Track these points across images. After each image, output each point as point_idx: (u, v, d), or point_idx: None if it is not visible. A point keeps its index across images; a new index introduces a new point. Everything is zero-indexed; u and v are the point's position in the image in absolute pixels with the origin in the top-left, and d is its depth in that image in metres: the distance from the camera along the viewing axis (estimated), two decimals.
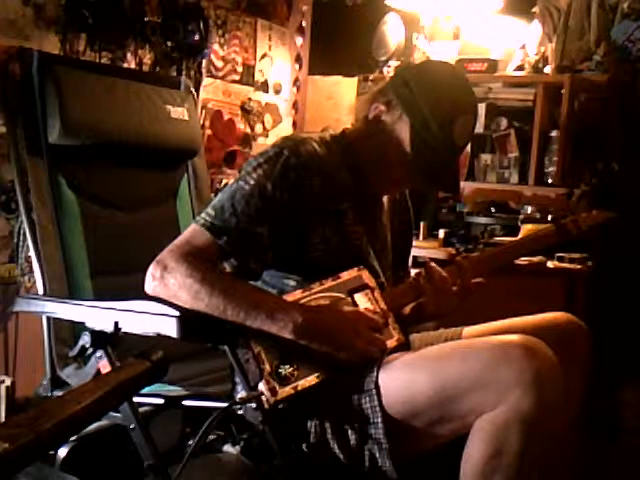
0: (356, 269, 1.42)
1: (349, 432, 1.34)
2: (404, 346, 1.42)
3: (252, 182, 1.38)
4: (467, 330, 1.61)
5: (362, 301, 1.40)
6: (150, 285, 1.35)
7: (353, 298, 1.40)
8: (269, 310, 1.31)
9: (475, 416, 1.24)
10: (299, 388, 1.30)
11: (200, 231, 1.37)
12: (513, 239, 2.54)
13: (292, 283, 1.44)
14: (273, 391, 1.28)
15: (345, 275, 1.41)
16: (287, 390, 1.29)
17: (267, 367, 1.29)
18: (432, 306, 1.45)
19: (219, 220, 1.37)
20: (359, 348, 1.33)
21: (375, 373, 1.33)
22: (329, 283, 1.39)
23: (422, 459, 1.39)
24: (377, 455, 1.32)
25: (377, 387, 1.32)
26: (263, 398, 1.28)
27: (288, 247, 1.43)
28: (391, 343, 1.37)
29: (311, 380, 1.31)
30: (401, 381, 1.31)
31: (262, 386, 1.28)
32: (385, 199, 1.61)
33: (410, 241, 1.76)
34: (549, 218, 2.70)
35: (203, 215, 1.39)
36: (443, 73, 1.52)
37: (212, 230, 1.36)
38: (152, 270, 1.35)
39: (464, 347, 1.32)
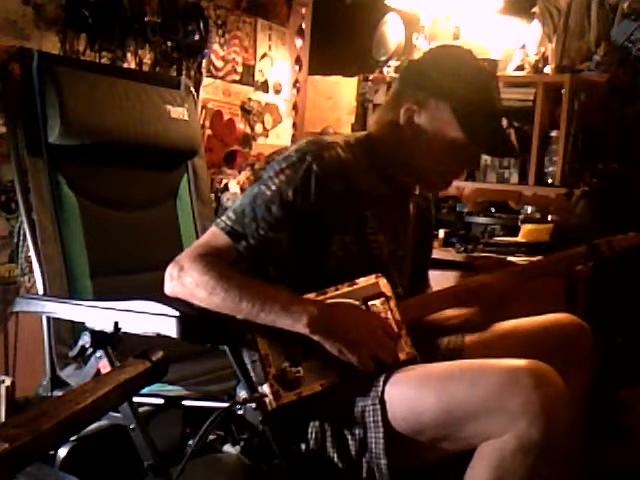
0: (374, 276, 1.40)
1: (349, 442, 1.33)
2: (414, 360, 1.39)
3: (274, 187, 1.37)
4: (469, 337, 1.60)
5: (377, 310, 1.38)
6: (168, 285, 1.36)
7: (367, 306, 1.38)
8: (285, 303, 1.30)
9: (480, 440, 1.23)
10: (302, 395, 1.28)
11: (219, 234, 1.37)
12: (546, 256, 2.54)
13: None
14: (276, 395, 1.26)
15: (362, 282, 1.39)
16: (290, 396, 1.27)
17: (273, 370, 1.28)
18: (481, 316, 1.44)
19: (239, 224, 1.36)
20: (371, 350, 1.31)
21: (381, 387, 1.31)
22: (345, 289, 1.38)
23: (421, 474, 1.38)
24: (375, 469, 1.31)
25: (382, 402, 1.30)
26: (266, 400, 1.27)
27: (307, 254, 1.41)
28: (402, 356, 1.36)
29: (315, 387, 1.29)
30: (407, 397, 1.29)
31: (266, 388, 1.27)
32: (411, 207, 1.59)
33: (430, 250, 1.73)
34: (549, 218, 2.70)
35: (224, 218, 1.39)
36: (448, 52, 1.53)
37: (231, 234, 1.36)
38: (170, 270, 1.35)
39: (474, 369, 1.28)
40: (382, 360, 1.32)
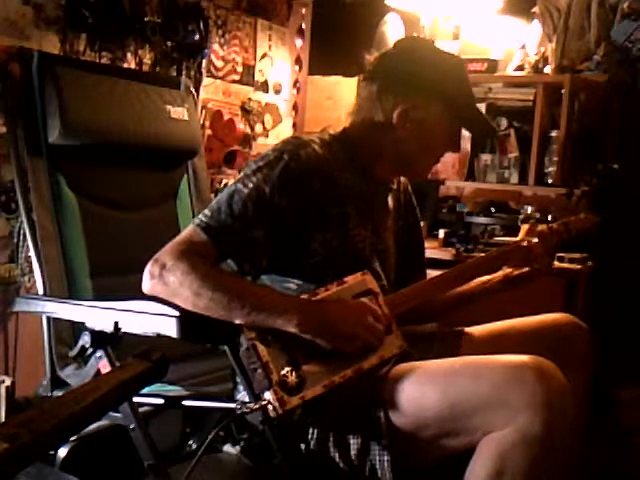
0: (360, 273, 1.41)
1: (351, 442, 1.33)
2: (406, 354, 1.40)
3: (251, 185, 1.37)
4: (467, 331, 1.61)
5: None
6: (148, 284, 1.33)
7: None
8: (273, 303, 1.30)
9: (482, 434, 1.24)
10: (306, 398, 1.28)
11: (196, 231, 1.36)
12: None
13: (293, 287, 1.43)
14: (281, 402, 1.25)
15: (350, 280, 1.39)
16: (295, 400, 1.27)
17: (275, 376, 1.27)
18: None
19: (215, 221, 1.35)
20: (362, 338, 1.32)
21: (383, 384, 1.32)
22: (334, 288, 1.38)
23: (423, 472, 1.38)
24: (377, 466, 1.31)
25: (384, 399, 1.30)
26: (270, 407, 1.25)
27: (287, 252, 1.41)
28: (394, 350, 1.37)
29: (317, 390, 1.29)
30: (410, 394, 1.30)
31: (269, 395, 1.26)
32: (390, 201, 1.60)
33: (420, 241, 1.73)
34: (549, 218, 2.70)
35: (200, 216, 1.38)
36: (418, 45, 1.64)
37: (207, 231, 1.35)
38: (150, 269, 1.32)
39: (477, 364, 1.30)
40: (373, 346, 1.33)
